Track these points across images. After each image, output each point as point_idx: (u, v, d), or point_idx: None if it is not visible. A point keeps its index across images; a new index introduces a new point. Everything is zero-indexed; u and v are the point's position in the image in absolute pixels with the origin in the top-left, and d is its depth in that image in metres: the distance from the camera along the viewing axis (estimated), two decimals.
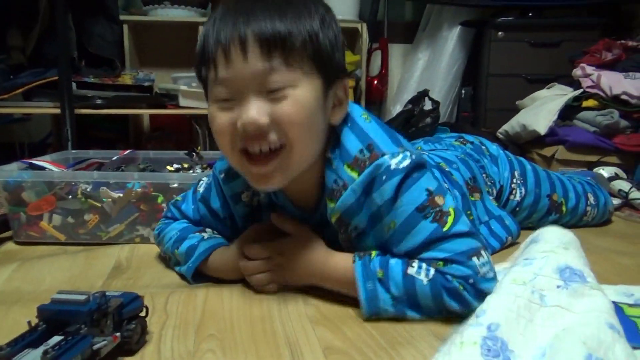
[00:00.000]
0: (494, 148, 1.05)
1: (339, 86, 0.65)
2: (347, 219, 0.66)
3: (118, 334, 0.52)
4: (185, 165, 1.20)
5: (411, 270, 0.60)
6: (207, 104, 0.64)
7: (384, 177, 0.62)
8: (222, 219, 0.80)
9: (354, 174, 0.63)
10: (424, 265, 0.61)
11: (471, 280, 0.58)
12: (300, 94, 0.59)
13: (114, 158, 1.19)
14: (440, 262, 0.60)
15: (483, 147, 1.03)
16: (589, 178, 1.17)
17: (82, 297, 0.51)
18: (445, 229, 0.61)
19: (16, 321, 0.62)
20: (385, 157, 0.62)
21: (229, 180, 0.76)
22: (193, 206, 0.82)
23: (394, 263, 0.62)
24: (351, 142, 0.64)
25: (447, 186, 0.82)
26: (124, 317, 0.55)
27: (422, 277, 0.60)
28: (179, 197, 0.86)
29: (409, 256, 0.63)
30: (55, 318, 0.51)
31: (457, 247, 0.60)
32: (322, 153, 0.66)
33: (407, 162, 0.62)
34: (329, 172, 0.66)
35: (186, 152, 1.24)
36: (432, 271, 0.60)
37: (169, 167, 1.20)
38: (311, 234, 0.70)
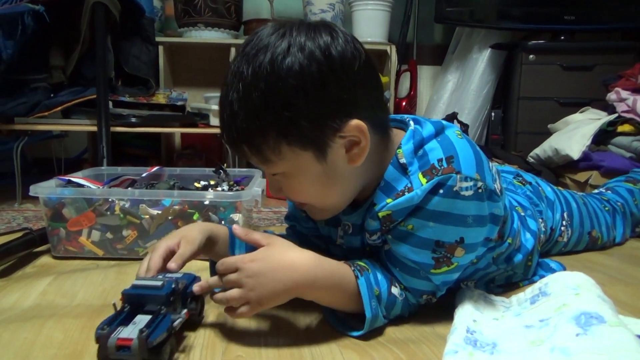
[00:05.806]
0: (549, 191, 1.02)
1: (337, 139, 0.60)
2: (396, 218, 0.64)
3: (186, 310, 0.62)
4: (213, 182, 1.21)
5: (394, 290, 0.66)
6: None
7: (440, 191, 0.61)
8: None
9: (424, 181, 0.62)
10: (396, 283, 0.67)
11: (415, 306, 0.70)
12: (294, 177, 0.63)
13: (143, 175, 1.21)
14: (402, 286, 0.67)
15: (540, 189, 1.01)
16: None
17: (159, 283, 0.60)
18: (434, 271, 0.65)
19: (50, 336, 0.63)
20: (458, 176, 0.61)
21: None
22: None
23: (381, 279, 0.65)
24: (435, 151, 0.64)
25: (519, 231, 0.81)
26: (188, 296, 0.64)
27: (399, 297, 0.67)
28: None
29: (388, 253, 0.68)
30: (137, 301, 0.59)
31: (421, 287, 0.67)
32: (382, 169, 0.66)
33: (469, 192, 0.62)
34: (401, 176, 0.64)
35: (213, 169, 1.26)
36: (402, 292, 0.67)
37: (196, 184, 1.21)
38: (288, 241, 0.65)
